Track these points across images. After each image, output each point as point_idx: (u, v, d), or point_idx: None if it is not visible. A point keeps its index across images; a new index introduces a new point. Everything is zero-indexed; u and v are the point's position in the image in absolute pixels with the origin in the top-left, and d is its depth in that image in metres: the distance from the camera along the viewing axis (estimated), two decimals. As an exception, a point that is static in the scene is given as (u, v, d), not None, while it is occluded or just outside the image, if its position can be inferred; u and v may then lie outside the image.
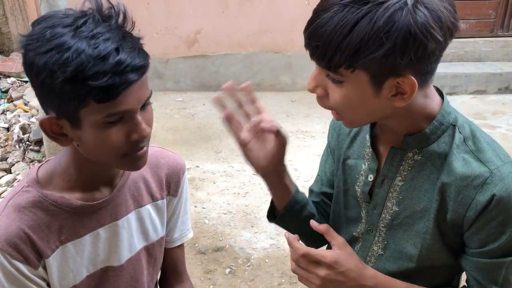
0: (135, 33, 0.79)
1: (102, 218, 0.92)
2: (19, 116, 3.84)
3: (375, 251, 0.94)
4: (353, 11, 0.69)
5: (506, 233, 0.80)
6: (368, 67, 0.72)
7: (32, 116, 3.81)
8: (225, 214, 2.92)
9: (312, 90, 0.80)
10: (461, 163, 0.81)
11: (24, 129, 3.57)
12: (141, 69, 0.75)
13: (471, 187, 0.80)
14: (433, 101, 0.84)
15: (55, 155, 3.49)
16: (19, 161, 3.40)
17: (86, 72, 0.69)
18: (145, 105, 0.80)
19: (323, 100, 0.81)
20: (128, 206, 0.96)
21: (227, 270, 2.46)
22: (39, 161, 3.43)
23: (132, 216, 0.97)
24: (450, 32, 0.73)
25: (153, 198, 1.01)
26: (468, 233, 0.83)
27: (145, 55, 0.77)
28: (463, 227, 0.83)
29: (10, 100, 4.32)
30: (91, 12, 0.75)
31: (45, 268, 0.88)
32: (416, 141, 0.84)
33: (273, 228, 2.74)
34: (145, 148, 0.84)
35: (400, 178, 0.88)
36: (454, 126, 0.84)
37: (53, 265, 0.88)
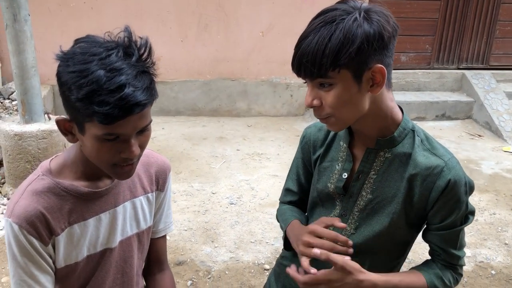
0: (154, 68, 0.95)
1: (104, 204, 1.09)
2: (-23, 139, 3.84)
3: (348, 230, 1.18)
4: (327, 27, 0.94)
5: (458, 208, 1.08)
6: (349, 64, 0.94)
7: (-9, 139, 3.83)
8: (186, 230, 3.06)
9: (310, 104, 1.03)
10: (423, 158, 1.08)
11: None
12: (143, 105, 0.90)
13: (433, 174, 1.06)
14: (397, 109, 1.11)
15: (15, 176, 3.51)
16: (-23, 183, 3.41)
17: (94, 98, 0.86)
18: (143, 130, 0.96)
19: (319, 110, 1.03)
20: (125, 196, 1.14)
21: (189, 282, 2.60)
22: (-2, 183, 3.45)
23: (128, 205, 1.14)
24: (395, 29, 0.99)
25: (145, 191, 1.18)
26: (432, 211, 1.09)
27: (152, 93, 0.92)
28: (426, 207, 1.10)
29: (-33, 123, 4.29)
30: (121, 43, 0.91)
31: (53, 245, 1.03)
32: (386, 143, 1.11)
33: (232, 242, 2.92)
34: (133, 164, 1.01)
35: (373, 172, 1.13)
36: (413, 131, 1.11)
37: (61, 243, 1.03)
